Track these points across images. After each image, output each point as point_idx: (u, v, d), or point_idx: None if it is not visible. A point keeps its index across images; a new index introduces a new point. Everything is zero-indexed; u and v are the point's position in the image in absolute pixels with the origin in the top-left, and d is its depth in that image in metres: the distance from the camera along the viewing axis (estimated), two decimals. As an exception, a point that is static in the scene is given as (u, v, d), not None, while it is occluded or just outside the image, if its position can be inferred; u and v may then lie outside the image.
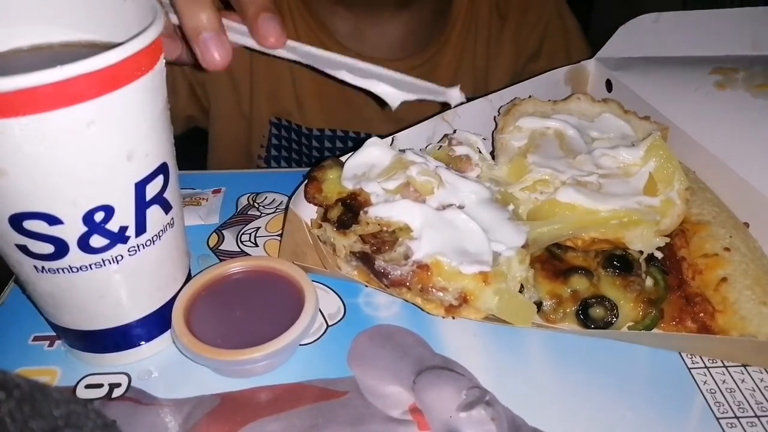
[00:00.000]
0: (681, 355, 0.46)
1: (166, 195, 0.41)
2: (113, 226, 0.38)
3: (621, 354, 0.46)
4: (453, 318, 0.46)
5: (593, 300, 0.47)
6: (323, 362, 0.45)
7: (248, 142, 0.94)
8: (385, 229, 0.47)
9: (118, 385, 0.44)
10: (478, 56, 0.90)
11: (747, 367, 0.45)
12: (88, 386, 0.43)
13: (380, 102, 0.47)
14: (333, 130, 0.92)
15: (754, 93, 0.58)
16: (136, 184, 0.38)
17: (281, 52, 0.48)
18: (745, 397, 0.43)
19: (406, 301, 0.48)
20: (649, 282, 0.48)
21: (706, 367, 0.45)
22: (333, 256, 0.49)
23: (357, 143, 0.91)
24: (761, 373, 0.45)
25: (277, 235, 0.58)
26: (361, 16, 0.85)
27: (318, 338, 0.47)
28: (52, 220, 0.36)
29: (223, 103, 0.89)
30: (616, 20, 0.69)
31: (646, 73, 0.65)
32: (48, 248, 0.37)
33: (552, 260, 0.50)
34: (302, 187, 0.52)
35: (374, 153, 0.52)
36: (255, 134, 0.93)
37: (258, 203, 0.63)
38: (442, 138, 0.57)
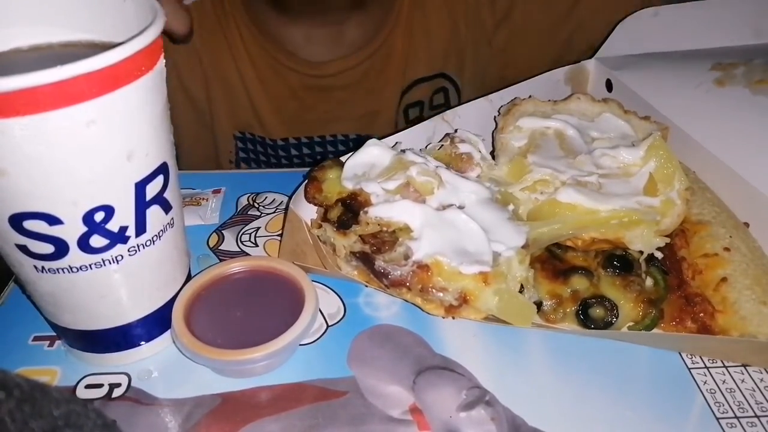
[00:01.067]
0: (681, 355, 0.46)
1: (166, 195, 0.41)
2: (113, 226, 0.38)
3: (621, 354, 0.46)
4: (453, 318, 0.46)
5: (593, 300, 0.47)
6: (323, 362, 0.45)
7: (217, 156, 0.94)
8: (385, 229, 0.47)
9: (118, 385, 0.44)
10: (433, 29, 0.88)
11: (747, 367, 0.45)
12: (88, 386, 0.43)
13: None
14: (297, 138, 0.92)
15: (753, 89, 0.58)
16: (136, 184, 0.38)
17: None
18: (745, 397, 0.43)
19: (406, 301, 0.48)
20: (649, 282, 0.48)
21: (706, 367, 0.45)
22: (333, 256, 0.49)
23: (323, 147, 0.92)
24: (761, 373, 0.45)
25: (277, 235, 0.58)
26: (310, 24, 0.84)
27: (318, 338, 0.47)
28: (52, 220, 0.36)
29: (185, 122, 0.89)
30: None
31: (646, 71, 0.65)
32: (48, 248, 0.37)
33: (552, 260, 0.50)
34: (302, 187, 0.52)
35: (374, 153, 0.52)
36: (222, 148, 0.93)
37: (258, 203, 0.63)
38: (443, 137, 0.57)
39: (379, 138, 0.54)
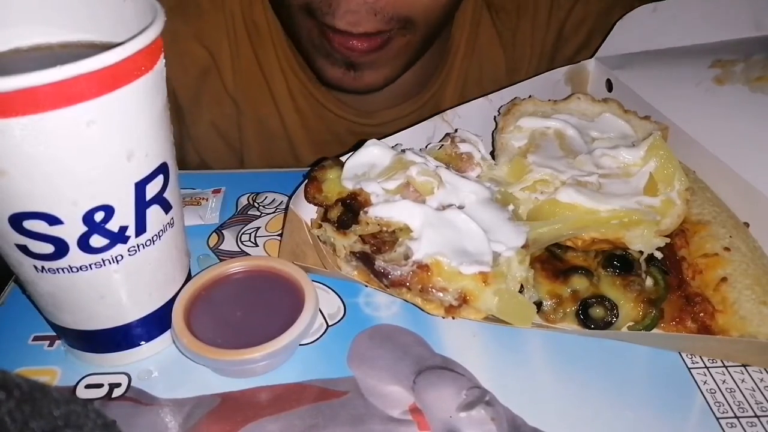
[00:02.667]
0: (681, 355, 0.46)
1: (166, 195, 0.41)
2: (113, 225, 0.38)
3: (621, 354, 0.46)
4: (453, 318, 0.46)
5: (593, 300, 0.47)
6: (323, 362, 0.45)
7: None
8: (385, 229, 0.47)
9: (118, 385, 0.44)
10: (485, 76, 0.86)
11: (747, 367, 0.45)
12: (88, 386, 0.43)
13: None
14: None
15: (752, 87, 0.58)
16: (136, 184, 0.38)
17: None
18: (745, 397, 0.43)
19: (406, 301, 0.48)
20: (649, 282, 0.48)
21: (706, 367, 0.45)
22: (333, 256, 0.49)
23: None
24: (761, 373, 0.45)
25: (277, 235, 0.58)
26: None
27: (318, 338, 0.47)
28: (52, 220, 0.36)
29: (218, 157, 0.87)
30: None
31: (646, 70, 0.65)
32: (48, 248, 0.37)
33: (552, 260, 0.50)
34: (302, 187, 0.52)
35: (374, 153, 0.52)
36: None
37: (258, 203, 0.63)
38: (443, 137, 0.57)
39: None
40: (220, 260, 0.55)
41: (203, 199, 0.62)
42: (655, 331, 0.47)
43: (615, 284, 0.47)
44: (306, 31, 0.70)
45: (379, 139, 0.54)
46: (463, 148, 0.54)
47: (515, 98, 0.61)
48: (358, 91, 0.76)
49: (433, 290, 0.45)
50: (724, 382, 0.44)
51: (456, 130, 0.57)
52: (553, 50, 0.87)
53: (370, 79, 0.73)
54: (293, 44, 0.79)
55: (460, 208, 0.48)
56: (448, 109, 0.63)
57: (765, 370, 0.45)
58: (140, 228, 0.39)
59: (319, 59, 0.73)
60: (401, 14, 0.66)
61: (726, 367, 0.45)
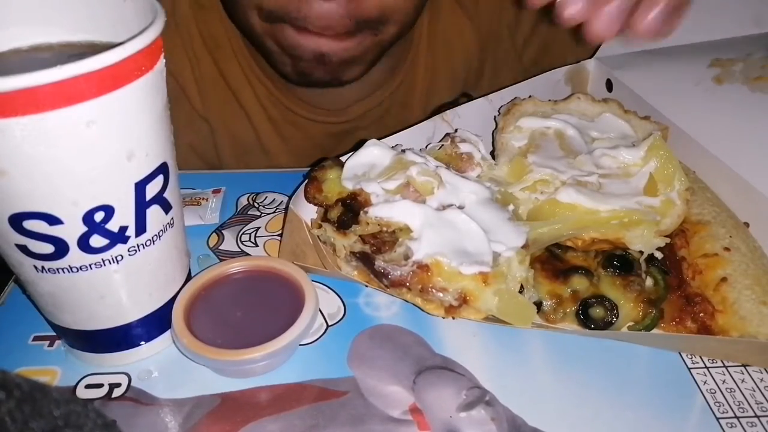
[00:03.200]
0: (681, 355, 0.46)
1: (166, 195, 0.41)
2: (113, 225, 0.38)
3: (621, 354, 0.46)
4: (453, 318, 0.46)
5: (593, 300, 0.47)
6: (323, 362, 0.45)
7: None
8: (385, 229, 0.47)
9: (118, 385, 0.44)
10: (455, 49, 0.85)
11: (747, 367, 0.45)
12: (88, 386, 0.43)
13: None
14: None
15: (751, 87, 0.58)
16: (136, 184, 0.38)
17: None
18: (745, 397, 0.43)
19: (406, 301, 0.48)
20: (649, 282, 0.48)
21: (706, 367, 0.45)
22: (333, 256, 0.49)
23: None
24: (761, 373, 0.45)
25: (277, 235, 0.58)
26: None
27: (318, 338, 0.47)
28: (52, 220, 0.36)
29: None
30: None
31: (645, 70, 0.65)
32: (48, 248, 0.37)
33: (552, 260, 0.50)
34: (302, 187, 0.52)
35: (374, 153, 0.52)
36: None
37: (258, 203, 0.63)
38: (443, 137, 0.57)
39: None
40: (220, 260, 0.55)
41: (203, 199, 0.62)
42: (655, 331, 0.47)
43: (615, 284, 0.47)
44: (269, 37, 0.69)
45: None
46: (463, 148, 0.54)
47: (515, 98, 0.61)
48: (331, 83, 0.75)
49: (433, 290, 0.45)
50: (724, 382, 0.44)
51: (456, 130, 0.57)
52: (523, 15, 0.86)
53: (344, 76, 0.73)
54: (256, 50, 0.77)
55: (460, 208, 0.48)
56: (448, 109, 0.63)
57: (765, 370, 0.45)
58: (140, 228, 0.39)
59: (283, 57, 0.72)
60: (373, 17, 0.66)
61: (726, 367, 0.45)
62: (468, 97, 0.88)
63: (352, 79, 0.75)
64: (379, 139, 0.54)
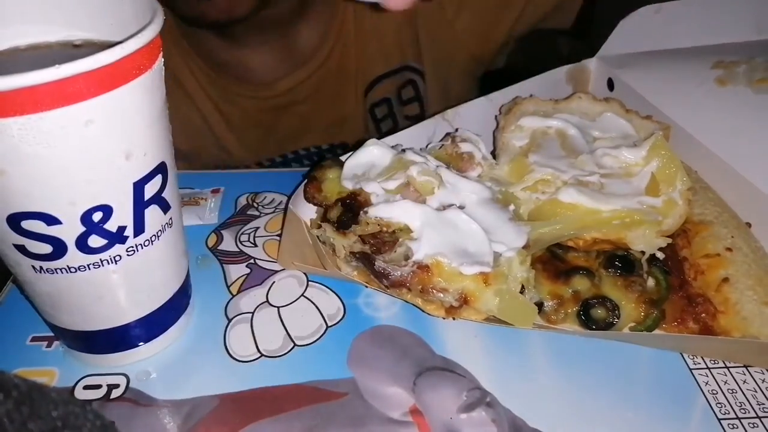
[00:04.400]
0: (683, 356, 0.46)
1: (165, 195, 0.40)
2: (111, 226, 0.38)
3: (622, 355, 0.46)
4: (453, 319, 0.46)
5: (595, 300, 0.47)
6: (323, 363, 0.45)
7: None
8: (385, 229, 0.47)
9: (117, 386, 0.43)
10: (386, 23, 0.85)
11: (749, 368, 0.45)
12: (86, 387, 0.43)
13: None
14: (270, 160, 0.92)
15: (754, 88, 0.58)
16: (135, 184, 0.38)
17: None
18: (746, 398, 0.43)
19: (406, 301, 0.47)
20: (650, 282, 0.48)
21: (707, 367, 0.45)
22: (333, 256, 0.49)
23: (299, 162, 0.90)
24: (763, 373, 0.44)
25: (277, 235, 0.58)
26: (255, 44, 0.81)
27: (317, 339, 0.47)
28: (50, 220, 0.35)
29: None
30: (622, 12, 0.68)
31: (647, 70, 0.65)
32: (46, 248, 0.37)
33: (553, 261, 0.49)
34: (302, 187, 0.52)
35: (374, 153, 0.52)
36: None
37: (257, 203, 0.63)
38: (444, 137, 0.57)
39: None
40: (220, 261, 0.55)
41: (202, 199, 0.62)
42: (656, 331, 0.47)
43: (616, 285, 0.47)
44: None
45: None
46: (464, 147, 0.54)
47: (516, 97, 0.60)
48: (228, 23, 0.75)
49: (434, 291, 0.45)
50: (725, 382, 0.44)
51: (457, 130, 0.57)
52: None
53: (234, 12, 0.73)
54: (185, 28, 0.80)
55: (461, 208, 0.48)
56: (448, 109, 0.63)
57: (767, 370, 0.45)
58: (138, 228, 0.39)
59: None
60: None
61: (728, 367, 0.45)
62: (411, 71, 0.89)
63: (245, 15, 0.74)
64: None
